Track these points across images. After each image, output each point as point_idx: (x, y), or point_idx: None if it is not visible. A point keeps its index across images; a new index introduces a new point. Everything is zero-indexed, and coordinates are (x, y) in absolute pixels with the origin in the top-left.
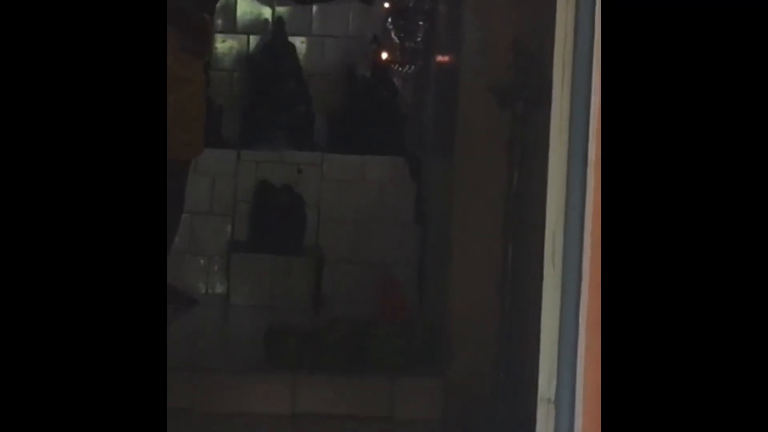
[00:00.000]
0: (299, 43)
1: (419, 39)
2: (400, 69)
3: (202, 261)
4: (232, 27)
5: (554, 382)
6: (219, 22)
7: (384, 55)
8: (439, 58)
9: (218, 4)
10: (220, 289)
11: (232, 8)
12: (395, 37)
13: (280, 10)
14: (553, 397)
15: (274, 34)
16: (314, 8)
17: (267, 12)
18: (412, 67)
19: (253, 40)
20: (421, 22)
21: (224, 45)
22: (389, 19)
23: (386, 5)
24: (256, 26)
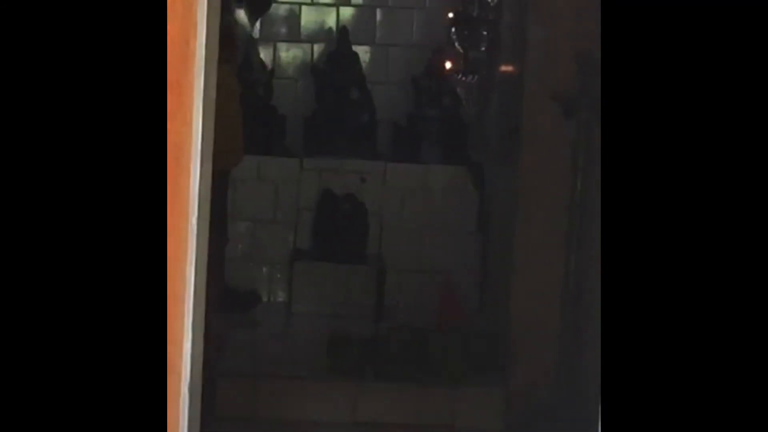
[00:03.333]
0: (363, 52)
1: (483, 48)
2: (463, 78)
3: (264, 269)
4: (296, 36)
5: None
6: (283, 30)
7: (448, 65)
8: (503, 67)
9: (282, 13)
10: (282, 297)
11: (296, 17)
12: (459, 47)
13: (345, 18)
14: None
15: (338, 43)
16: (378, 17)
17: (331, 21)
18: (476, 77)
19: (317, 48)
20: (485, 32)
21: (288, 54)
22: (453, 29)
23: (450, 15)
24: (320, 35)
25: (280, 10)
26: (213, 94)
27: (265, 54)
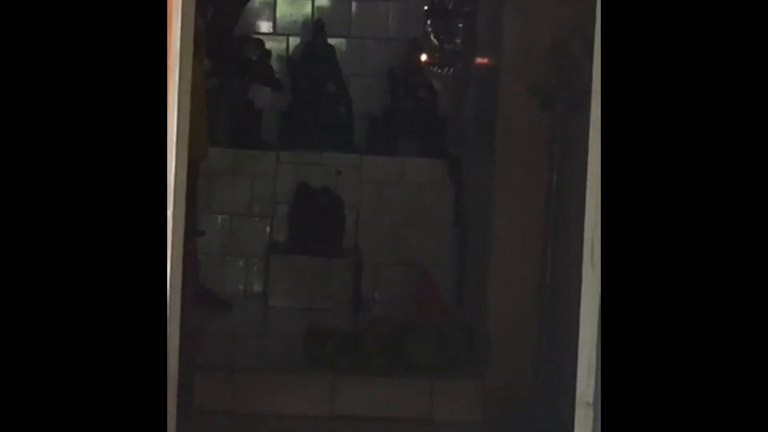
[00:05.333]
0: (339, 44)
1: (459, 41)
2: (439, 71)
3: (241, 262)
4: (271, 28)
5: (592, 385)
6: (258, 23)
7: (424, 57)
8: (479, 60)
9: (258, 6)
10: (258, 290)
11: (271, 10)
12: (435, 39)
13: (320, 11)
14: (591, 400)
15: (314, 36)
16: (354, 10)
17: (307, 13)
18: (452, 69)
19: (293, 41)
20: (460, 24)
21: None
22: (429, 21)
23: (426, 7)
24: (295, 28)
25: (255, 2)
26: (188, 88)
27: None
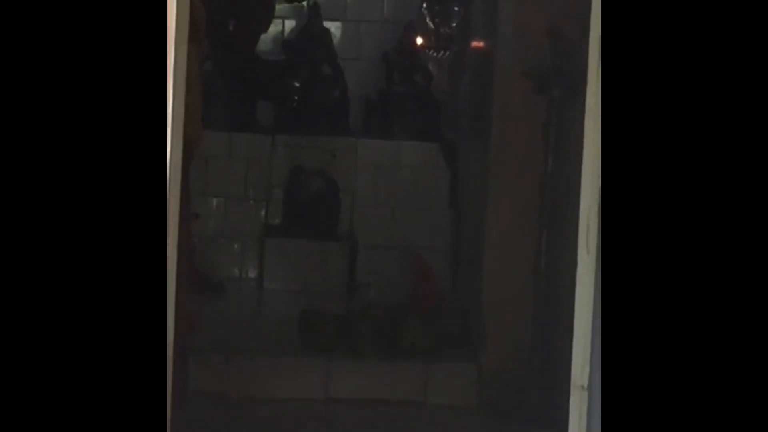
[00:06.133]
0: (334, 28)
1: (455, 24)
2: (435, 54)
3: (236, 245)
4: None
5: (587, 369)
6: None
7: (419, 41)
8: (475, 43)
9: None
10: (253, 273)
11: None
12: (430, 23)
13: None
14: (586, 384)
15: (310, 19)
16: None
17: None
18: (447, 53)
19: (288, 24)
20: (456, 8)
21: None
22: (425, 5)
23: None
24: (291, 11)
25: None
26: (183, 73)
27: None
